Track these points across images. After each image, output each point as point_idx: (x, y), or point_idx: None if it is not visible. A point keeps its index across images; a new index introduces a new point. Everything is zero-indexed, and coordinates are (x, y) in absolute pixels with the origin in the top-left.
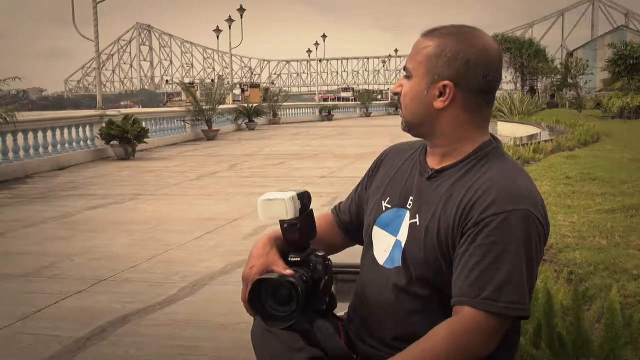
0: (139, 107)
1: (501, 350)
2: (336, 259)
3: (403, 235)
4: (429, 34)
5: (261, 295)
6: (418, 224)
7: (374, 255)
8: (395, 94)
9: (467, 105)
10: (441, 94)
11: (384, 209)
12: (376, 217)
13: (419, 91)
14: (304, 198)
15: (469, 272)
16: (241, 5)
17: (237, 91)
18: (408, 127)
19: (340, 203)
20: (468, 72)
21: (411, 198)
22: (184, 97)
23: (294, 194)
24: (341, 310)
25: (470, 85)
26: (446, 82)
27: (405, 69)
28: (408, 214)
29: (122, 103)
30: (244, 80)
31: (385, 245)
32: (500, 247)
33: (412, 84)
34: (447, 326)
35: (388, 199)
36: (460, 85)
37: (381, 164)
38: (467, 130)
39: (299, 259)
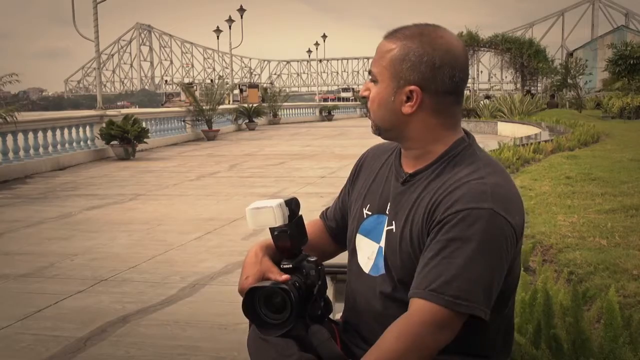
0: (136, 107)
1: (496, 351)
2: (335, 258)
3: (384, 241)
4: (391, 35)
5: (255, 303)
6: (394, 230)
7: (358, 264)
8: (363, 97)
9: (436, 107)
10: (408, 99)
11: (365, 215)
12: (358, 225)
13: (385, 97)
14: (292, 204)
15: (423, 267)
16: (241, 6)
17: (236, 91)
18: (378, 131)
19: (327, 209)
20: (434, 75)
21: (389, 204)
22: (183, 97)
23: (282, 201)
24: (340, 309)
25: (437, 87)
26: (412, 87)
27: (370, 72)
28: (387, 220)
29: (119, 103)
30: (244, 80)
31: (369, 252)
32: (457, 244)
33: (378, 89)
34: (395, 324)
35: (368, 205)
36: (427, 89)
37: (361, 168)
38: (438, 132)
39: (291, 266)
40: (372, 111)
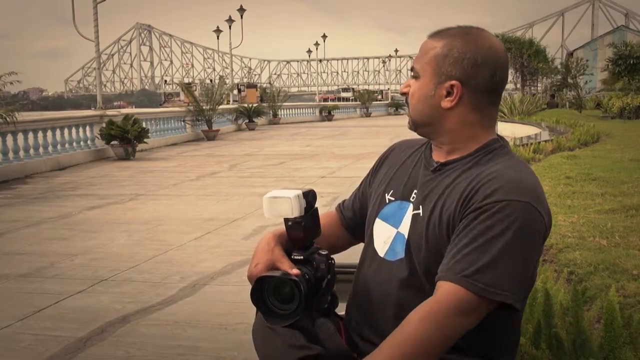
0: (132, 107)
1: (501, 352)
2: (336, 258)
3: (405, 227)
4: (436, 35)
5: (263, 292)
6: (421, 215)
7: (374, 248)
8: (403, 94)
9: (474, 104)
10: (448, 94)
11: (387, 201)
12: (379, 210)
13: (426, 91)
14: (309, 196)
15: (457, 252)
16: (241, 5)
17: (234, 91)
18: (414, 126)
19: (344, 200)
20: (475, 72)
21: (415, 191)
22: (182, 97)
23: (300, 192)
24: (341, 309)
25: (477, 84)
26: (453, 82)
27: (412, 69)
28: (411, 206)
29: (115, 103)
30: (244, 80)
31: (386, 237)
32: (494, 232)
33: (419, 84)
34: (422, 306)
35: (392, 191)
36: (468, 85)
37: (385, 159)
38: (473, 129)
39: (302, 257)
40: (411, 105)
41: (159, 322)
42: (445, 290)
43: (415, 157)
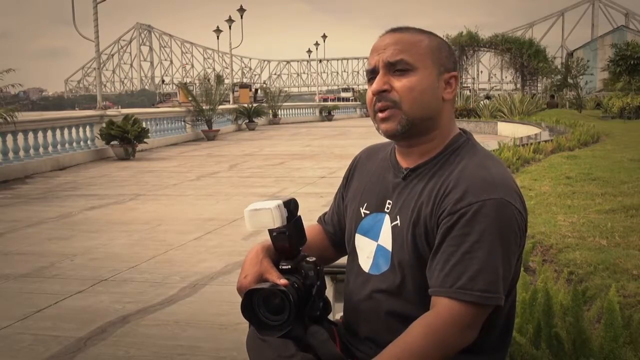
0: (118, 108)
1: (492, 344)
2: None
3: (383, 239)
4: (402, 30)
5: (253, 304)
6: (399, 225)
7: (359, 264)
8: (383, 91)
9: (455, 97)
10: (448, 85)
11: (362, 215)
12: (356, 225)
13: (430, 82)
14: (291, 205)
15: (444, 263)
16: (241, 6)
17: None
18: (408, 125)
19: (325, 214)
20: (455, 64)
21: (389, 201)
22: (179, 96)
23: (280, 202)
24: (341, 309)
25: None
26: (454, 73)
27: (393, 63)
28: (387, 217)
29: (102, 104)
30: (244, 80)
31: (368, 251)
32: (474, 237)
33: (419, 77)
34: (424, 320)
35: (365, 204)
36: (456, 77)
37: (355, 170)
38: (451, 122)
39: (289, 267)
40: (408, 102)
41: (159, 322)
42: (443, 306)
43: (383, 165)
